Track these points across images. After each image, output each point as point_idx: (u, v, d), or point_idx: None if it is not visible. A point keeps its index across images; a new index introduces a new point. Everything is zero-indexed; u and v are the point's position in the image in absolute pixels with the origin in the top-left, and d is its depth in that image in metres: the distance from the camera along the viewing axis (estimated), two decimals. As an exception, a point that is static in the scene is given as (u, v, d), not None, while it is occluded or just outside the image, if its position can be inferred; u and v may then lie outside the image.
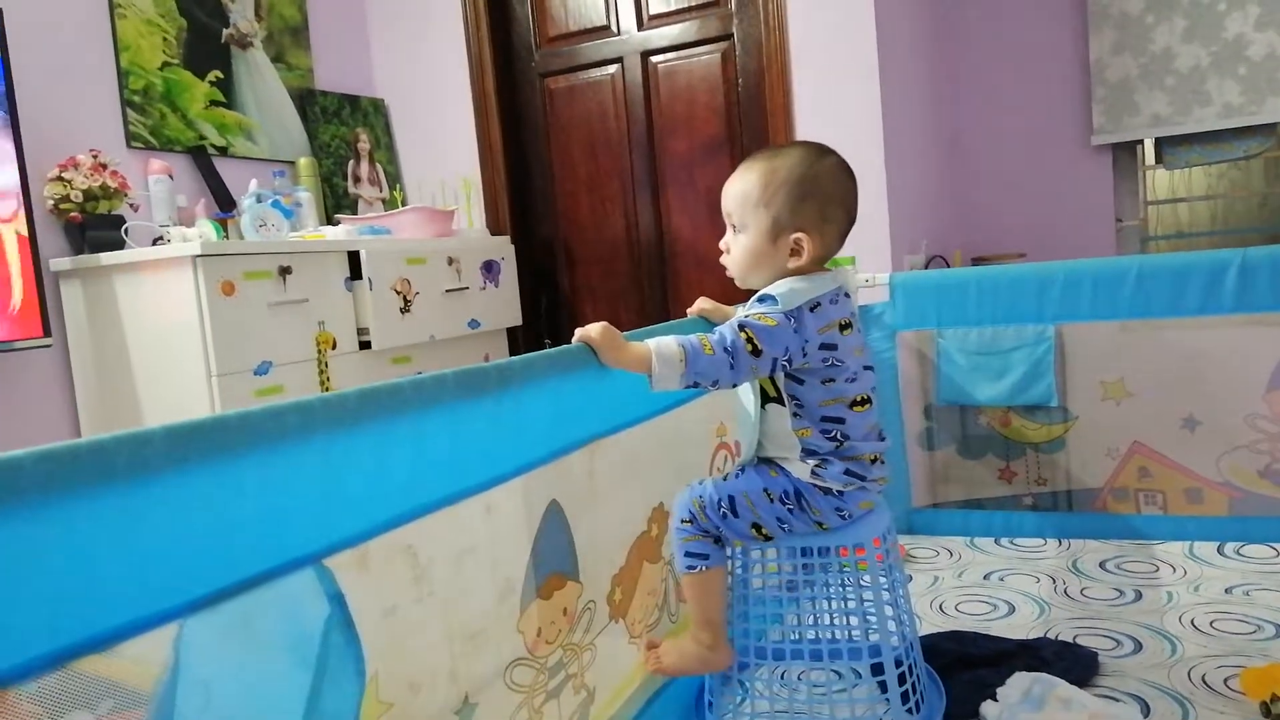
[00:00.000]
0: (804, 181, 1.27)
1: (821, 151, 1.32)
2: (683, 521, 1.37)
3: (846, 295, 1.34)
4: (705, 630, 1.37)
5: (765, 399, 1.35)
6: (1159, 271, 2.15)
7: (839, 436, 1.30)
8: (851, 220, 1.33)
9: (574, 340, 1.22)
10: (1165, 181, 3.83)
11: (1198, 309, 2.13)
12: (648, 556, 1.47)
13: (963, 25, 3.84)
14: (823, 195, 1.28)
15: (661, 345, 1.20)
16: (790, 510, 1.32)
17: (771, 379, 1.31)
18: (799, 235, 1.28)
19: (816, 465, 1.31)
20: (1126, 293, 2.18)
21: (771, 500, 1.32)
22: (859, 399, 1.31)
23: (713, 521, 1.35)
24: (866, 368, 1.35)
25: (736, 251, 1.34)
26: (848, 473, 1.30)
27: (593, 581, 1.31)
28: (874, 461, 1.34)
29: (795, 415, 1.31)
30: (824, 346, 1.27)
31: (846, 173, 1.32)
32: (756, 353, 1.21)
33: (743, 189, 1.31)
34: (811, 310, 1.26)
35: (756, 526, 1.35)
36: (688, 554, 1.36)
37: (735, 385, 1.27)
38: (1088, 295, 2.21)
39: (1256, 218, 3.77)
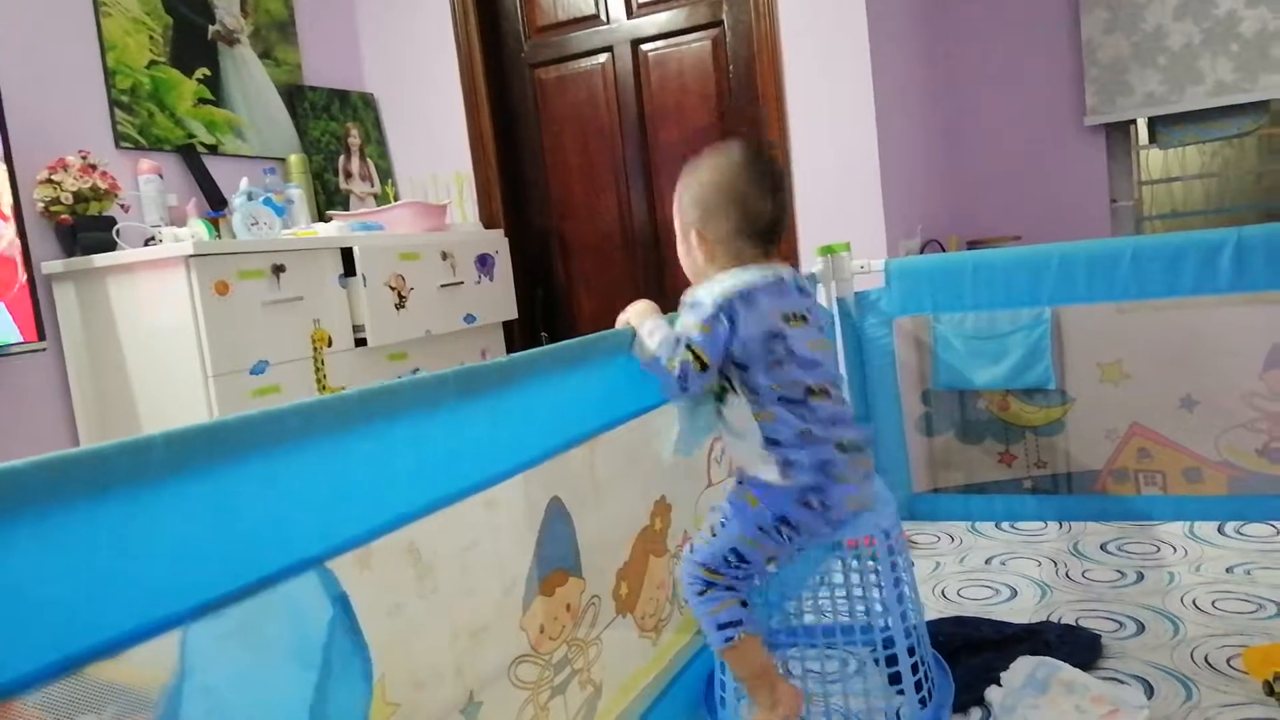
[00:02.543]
0: (693, 185, 1.38)
1: (725, 154, 1.37)
2: (700, 593, 1.33)
3: (801, 291, 1.36)
4: (761, 688, 1.34)
5: (724, 390, 1.34)
6: (1154, 252, 2.15)
7: (806, 416, 1.28)
8: (750, 218, 1.34)
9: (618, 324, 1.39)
10: (1159, 161, 3.83)
11: (1194, 289, 2.12)
12: (653, 550, 1.47)
13: (954, 8, 3.82)
14: (712, 195, 1.35)
15: (646, 339, 1.33)
16: (789, 537, 1.32)
17: (721, 371, 1.32)
18: (694, 233, 1.37)
19: (784, 464, 1.29)
20: (1122, 274, 2.18)
21: (767, 534, 1.31)
22: (815, 388, 1.30)
23: (730, 576, 1.33)
24: (828, 363, 1.35)
25: (680, 254, 1.44)
26: (815, 467, 1.28)
27: (596, 576, 1.31)
28: (843, 449, 1.31)
29: (752, 402, 1.30)
30: (770, 335, 1.28)
31: (747, 171, 1.35)
32: (704, 368, 1.27)
33: (674, 199, 1.42)
34: (744, 300, 1.29)
35: (770, 559, 1.36)
36: (720, 626, 1.32)
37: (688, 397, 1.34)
38: (1083, 277, 2.21)
39: (1251, 195, 3.77)
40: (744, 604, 1.33)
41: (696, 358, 1.25)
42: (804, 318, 1.32)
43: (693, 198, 1.37)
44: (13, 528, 0.59)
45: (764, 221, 1.34)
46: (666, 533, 1.51)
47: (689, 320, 1.29)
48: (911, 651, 1.38)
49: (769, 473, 1.30)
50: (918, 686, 1.38)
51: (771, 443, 1.30)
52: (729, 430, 1.35)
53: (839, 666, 1.59)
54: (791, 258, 2.85)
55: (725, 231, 1.34)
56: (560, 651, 1.21)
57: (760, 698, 1.33)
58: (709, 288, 1.31)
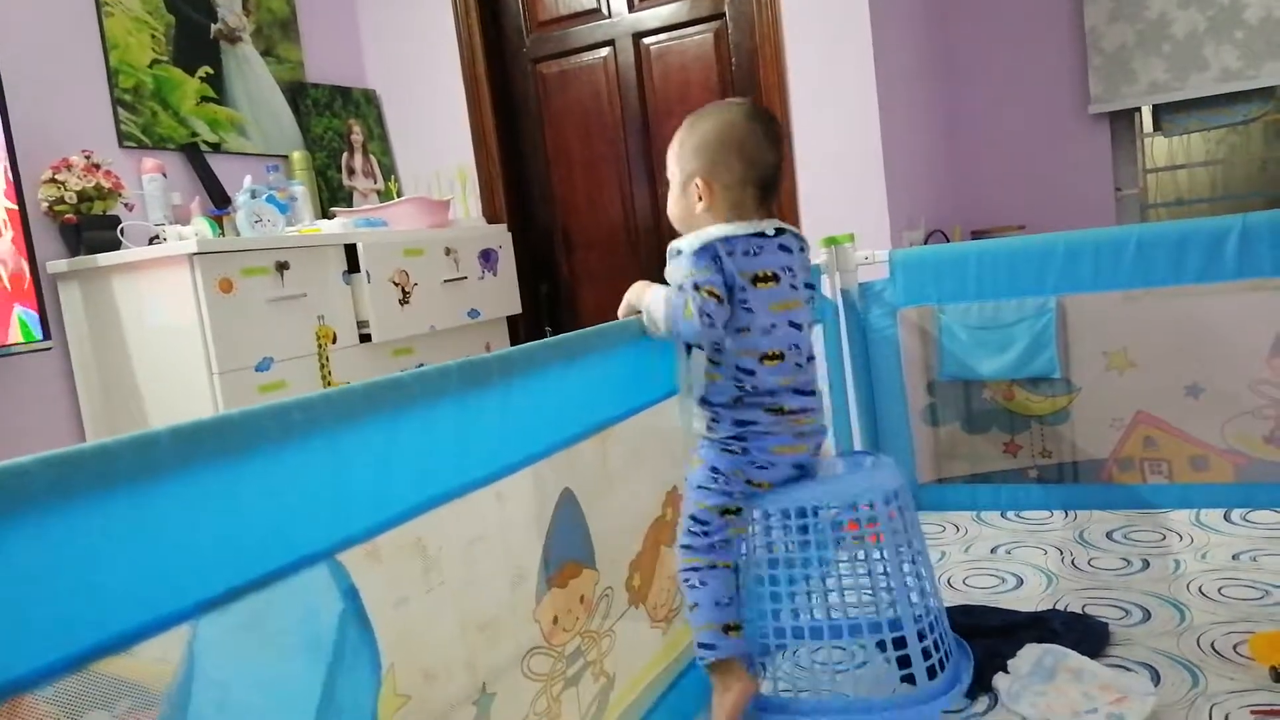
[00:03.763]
0: (702, 133, 1.41)
1: (729, 107, 1.43)
2: (690, 608, 1.40)
3: (784, 249, 1.39)
4: (716, 677, 1.40)
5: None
6: (1159, 240, 2.14)
7: (748, 388, 1.37)
8: (755, 167, 1.40)
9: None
10: (1164, 149, 3.81)
11: (1199, 276, 2.12)
12: (664, 540, 1.48)
13: (956, -3, 3.81)
14: (717, 144, 1.40)
15: (652, 306, 1.35)
16: (725, 482, 1.39)
17: None
18: (698, 180, 1.40)
19: (711, 420, 1.40)
20: (1127, 262, 2.17)
21: (710, 490, 1.40)
22: (771, 353, 1.37)
23: (702, 547, 1.39)
24: (793, 325, 1.39)
25: (669, 202, 1.48)
26: (736, 422, 1.37)
27: (610, 568, 1.31)
28: (774, 411, 1.37)
29: (711, 361, 1.39)
30: (741, 289, 1.35)
31: (751, 123, 1.40)
32: (720, 301, 1.32)
33: (670, 148, 1.47)
34: (724, 245, 1.34)
35: (722, 511, 1.41)
36: (701, 645, 1.38)
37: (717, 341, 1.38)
38: (1089, 266, 2.21)
39: (1256, 182, 3.75)
40: (730, 628, 1.38)
41: (710, 293, 1.31)
42: (775, 277, 1.36)
43: (695, 146, 1.41)
44: (20, 524, 0.59)
45: (768, 169, 1.41)
46: (678, 523, 1.52)
47: (681, 267, 1.35)
48: (922, 636, 1.37)
49: (700, 424, 1.42)
50: (926, 655, 1.37)
51: (704, 402, 1.41)
52: (695, 375, 1.43)
53: (847, 656, 1.59)
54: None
55: (731, 179, 1.39)
56: (574, 643, 1.21)
57: (716, 684, 1.40)
58: (689, 240, 1.37)
